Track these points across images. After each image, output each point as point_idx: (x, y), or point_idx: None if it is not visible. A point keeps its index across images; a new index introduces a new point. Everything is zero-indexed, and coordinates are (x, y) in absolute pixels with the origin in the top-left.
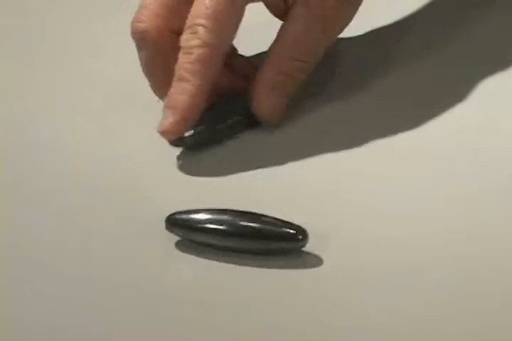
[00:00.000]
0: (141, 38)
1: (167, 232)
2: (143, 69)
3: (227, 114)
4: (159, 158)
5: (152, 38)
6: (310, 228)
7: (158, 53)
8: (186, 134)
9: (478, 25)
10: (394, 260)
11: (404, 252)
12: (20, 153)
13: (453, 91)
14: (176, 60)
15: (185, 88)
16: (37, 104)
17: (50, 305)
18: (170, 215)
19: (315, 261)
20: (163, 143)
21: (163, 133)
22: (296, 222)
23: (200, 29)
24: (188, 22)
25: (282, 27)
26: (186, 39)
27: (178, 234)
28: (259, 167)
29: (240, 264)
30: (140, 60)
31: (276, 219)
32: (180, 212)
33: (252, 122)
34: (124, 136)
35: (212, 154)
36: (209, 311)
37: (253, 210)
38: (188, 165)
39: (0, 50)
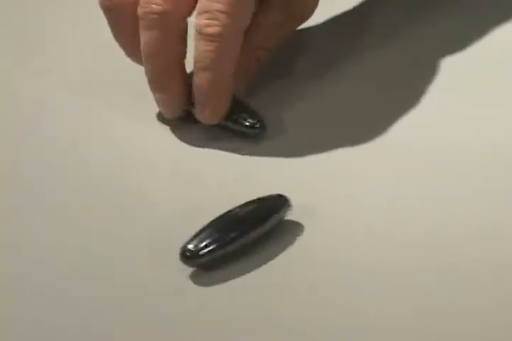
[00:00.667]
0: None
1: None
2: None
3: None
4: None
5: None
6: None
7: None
8: None
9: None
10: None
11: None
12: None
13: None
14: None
15: (214, 78)
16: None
17: (50, 305)
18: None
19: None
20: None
21: (206, 121)
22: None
23: (220, 15)
24: (204, 6)
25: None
26: (205, 24)
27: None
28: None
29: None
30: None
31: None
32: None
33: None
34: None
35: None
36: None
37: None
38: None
39: None
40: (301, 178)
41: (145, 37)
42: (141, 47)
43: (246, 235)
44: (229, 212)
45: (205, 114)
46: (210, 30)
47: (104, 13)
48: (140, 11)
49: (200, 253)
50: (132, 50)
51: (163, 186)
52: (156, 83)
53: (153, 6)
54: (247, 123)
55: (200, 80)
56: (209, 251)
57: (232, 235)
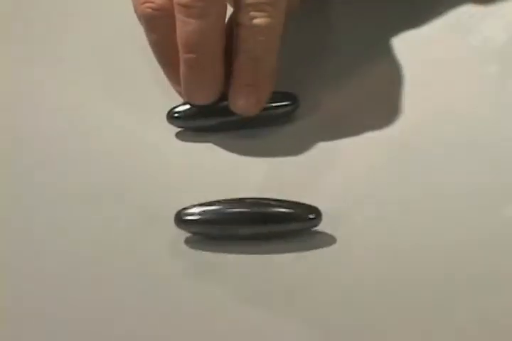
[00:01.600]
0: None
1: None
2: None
3: None
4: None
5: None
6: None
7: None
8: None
9: None
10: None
11: (413, 235)
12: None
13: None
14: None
15: (265, 67)
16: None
17: (53, 293)
18: (178, 212)
19: (328, 240)
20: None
21: (249, 111)
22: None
23: (266, 7)
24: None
25: None
26: (254, 16)
27: (189, 231)
28: (270, 155)
29: (252, 251)
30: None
31: (286, 201)
32: (186, 208)
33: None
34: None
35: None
36: (225, 295)
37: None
38: (198, 153)
39: None
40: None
41: (192, 25)
42: (182, 35)
43: (249, 227)
44: (250, 198)
45: (250, 104)
46: (260, 21)
47: (146, 21)
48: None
49: (193, 219)
50: (171, 61)
51: (172, 176)
52: (199, 70)
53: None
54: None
55: (250, 69)
56: (202, 221)
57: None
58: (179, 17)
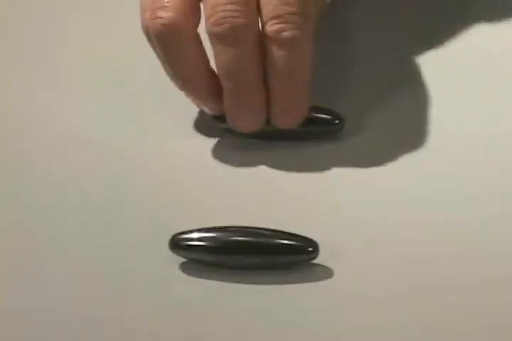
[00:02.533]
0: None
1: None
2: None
3: None
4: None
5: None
6: (320, 240)
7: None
8: None
9: None
10: (407, 274)
11: (416, 267)
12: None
13: None
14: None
15: (298, 81)
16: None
17: (47, 314)
18: (173, 236)
19: (326, 273)
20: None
21: (287, 125)
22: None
23: (292, 17)
24: (273, 11)
25: None
26: (280, 29)
27: (183, 256)
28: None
29: (248, 281)
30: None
31: (284, 232)
32: (183, 232)
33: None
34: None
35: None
36: (218, 327)
37: (262, 224)
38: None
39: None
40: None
41: (230, 54)
42: (223, 65)
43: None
44: (248, 227)
45: (289, 119)
46: (287, 34)
47: (157, 38)
48: (219, 28)
49: (187, 244)
50: (190, 76)
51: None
52: (244, 98)
53: (236, 19)
54: (327, 120)
55: (283, 86)
56: (196, 247)
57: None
58: (215, 47)
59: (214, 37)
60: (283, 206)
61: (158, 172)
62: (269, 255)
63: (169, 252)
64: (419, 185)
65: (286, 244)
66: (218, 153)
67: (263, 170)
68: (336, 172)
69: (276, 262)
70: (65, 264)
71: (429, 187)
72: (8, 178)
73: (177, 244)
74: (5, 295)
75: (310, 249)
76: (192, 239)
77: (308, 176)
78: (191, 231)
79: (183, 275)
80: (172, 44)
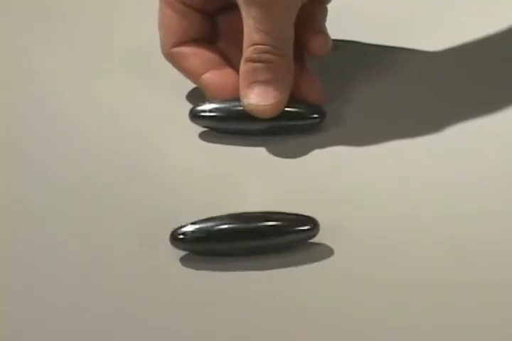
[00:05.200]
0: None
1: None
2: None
3: None
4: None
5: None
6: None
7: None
8: None
9: None
10: (404, 253)
11: (413, 245)
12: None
13: None
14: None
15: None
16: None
17: (46, 308)
18: (172, 232)
19: (326, 252)
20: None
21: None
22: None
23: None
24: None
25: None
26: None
27: (184, 249)
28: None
29: (248, 267)
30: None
31: (282, 213)
32: (181, 227)
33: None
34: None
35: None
36: (222, 309)
37: (261, 207)
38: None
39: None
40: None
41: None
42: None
43: (245, 241)
44: (245, 213)
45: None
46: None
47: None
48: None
49: (189, 237)
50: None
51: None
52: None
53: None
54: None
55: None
56: (197, 239)
57: (230, 233)
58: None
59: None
60: (271, 198)
61: (153, 166)
62: (269, 237)
63: (169, 246)
64: (403, 174)
65: (284, 222)
66: (208, 148)
67: (248, 163)
68: (319, 163)
69: (277, 243)
70: (64, 259)
71: (411, 176)
72: (7, 170)
73: (176, 238)
74: (7, 284)
75: (309, 227)
76: (191, 232)
77: (293, 167)
78: (187, 225)
79: (184, 268)
80: (174, 65)
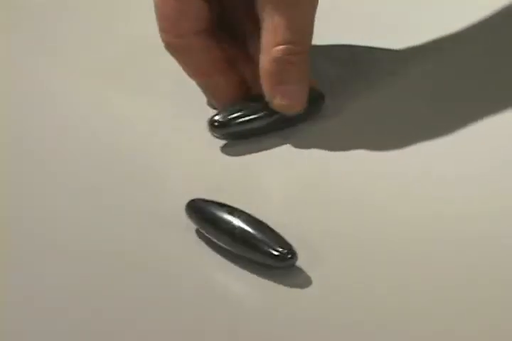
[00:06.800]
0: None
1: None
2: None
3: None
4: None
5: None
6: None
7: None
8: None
9: None
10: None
11: (412, 244)
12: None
13: None
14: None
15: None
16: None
17: (61, 288)
18: (191, 200)
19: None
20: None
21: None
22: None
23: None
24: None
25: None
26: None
27: (193, 221)
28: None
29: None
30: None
31: (271, 232)
32: (202, 200)
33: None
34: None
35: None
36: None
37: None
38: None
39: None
40: None
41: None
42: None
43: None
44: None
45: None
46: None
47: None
48: None
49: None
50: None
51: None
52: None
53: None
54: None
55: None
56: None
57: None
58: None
59: None
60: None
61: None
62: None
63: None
64: (399, 167)
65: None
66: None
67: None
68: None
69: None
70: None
71: (410, 170)
72: (9, 165)
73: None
74: (16, 267)
75: (288, 257)
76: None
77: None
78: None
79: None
80: (175, 57)
